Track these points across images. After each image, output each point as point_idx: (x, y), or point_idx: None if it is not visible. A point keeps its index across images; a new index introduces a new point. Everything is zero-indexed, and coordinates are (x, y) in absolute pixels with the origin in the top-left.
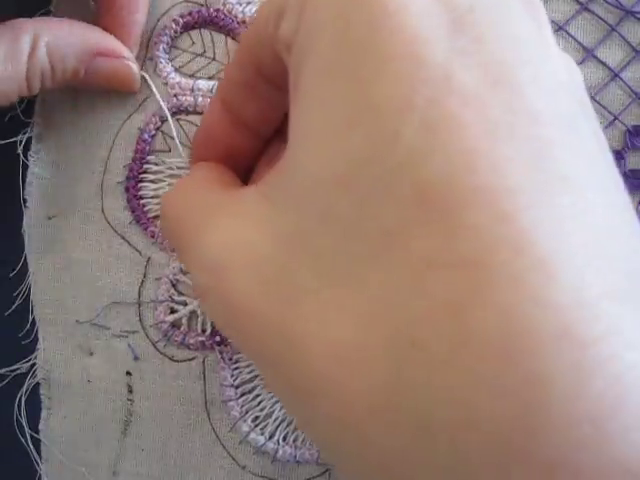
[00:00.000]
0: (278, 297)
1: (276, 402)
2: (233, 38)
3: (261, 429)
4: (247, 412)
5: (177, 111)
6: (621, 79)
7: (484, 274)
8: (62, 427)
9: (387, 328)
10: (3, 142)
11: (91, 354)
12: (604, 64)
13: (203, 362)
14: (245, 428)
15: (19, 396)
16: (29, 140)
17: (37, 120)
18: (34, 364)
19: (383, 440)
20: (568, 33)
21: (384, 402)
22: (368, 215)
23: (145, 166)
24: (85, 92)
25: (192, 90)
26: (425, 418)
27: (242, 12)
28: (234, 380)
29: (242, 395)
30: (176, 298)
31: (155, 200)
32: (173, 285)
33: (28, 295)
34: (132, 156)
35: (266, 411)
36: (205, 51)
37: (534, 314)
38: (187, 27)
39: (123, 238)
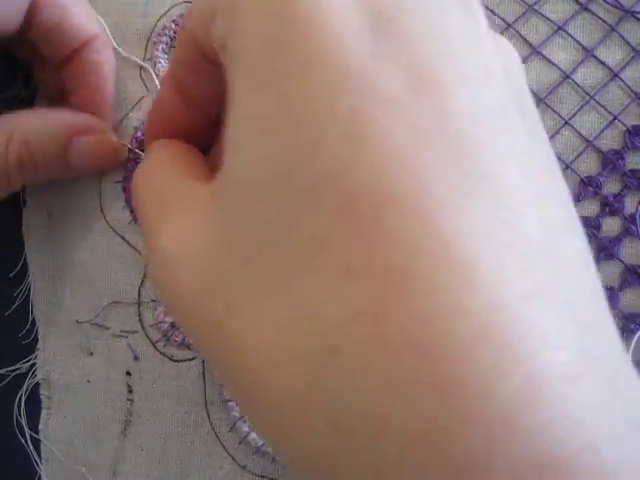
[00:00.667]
0: (215, 297)
1: None
2: None
3: None
4: None
5: None
6: (621, 79)
7: (402, 281)
8: (62, 427)
9: (308, 333)
10: None
11: (91, 354)
12: (604, 64)
13: (203, 362)
14: (245, 428)
15: (19, 396)
16: None
17: None
18: (34, 364)
19: (308, 442)
20: (568, 33)
21: (306, 404)
22: (294, 223)
23: None
24: None
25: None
26: (344, 421)
27: None
28: None
29: None
30: None
31: None
32: None
33: (28, 295)
34: (129, 155)
35: None
36: None
37: (451, 319)
38: None
39: (123, 238)
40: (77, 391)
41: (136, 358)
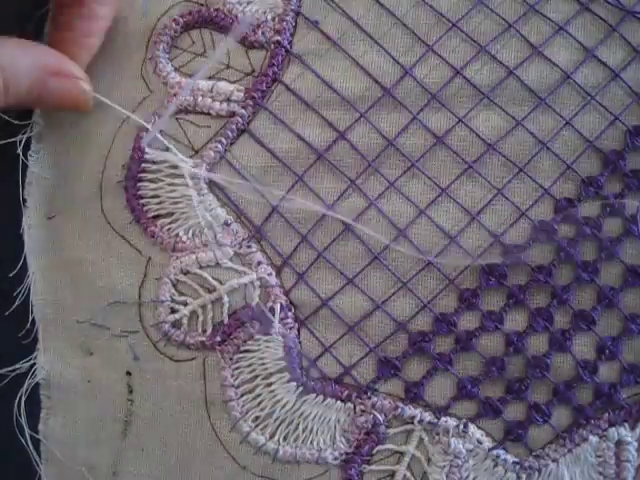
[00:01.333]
0: None
1: (276, 402)
2: None
3: (261, 429)
4: (247, 412)
5: (177, 110)
6: (622, 79)
7: None
8: (62, 427)
9: None
10: (3, 142)
11: (91, 354)
12: (604, 64)
13: (203, 362)
14: (245, 428)
15: (19, 396)
16: (29, 140)
17: (37, 120)
18: (34, 364)
19: None
20: (568, 33)
21: None
22: None
23: (143, 165)
24: None
25: (192, 90)
26: None
27: (242, 12)
28: (235, 380)
29: (242, 395)
30: (176, 298)
31: (155, 200)
32: (173, 285)
33: (28, 295)
34: (130, 155)
35: (266, 411)
36: (205, 51)
37: None
38: (187, 27)
39: (123, 238)
40: (77, 391)
41: (136, 358)
